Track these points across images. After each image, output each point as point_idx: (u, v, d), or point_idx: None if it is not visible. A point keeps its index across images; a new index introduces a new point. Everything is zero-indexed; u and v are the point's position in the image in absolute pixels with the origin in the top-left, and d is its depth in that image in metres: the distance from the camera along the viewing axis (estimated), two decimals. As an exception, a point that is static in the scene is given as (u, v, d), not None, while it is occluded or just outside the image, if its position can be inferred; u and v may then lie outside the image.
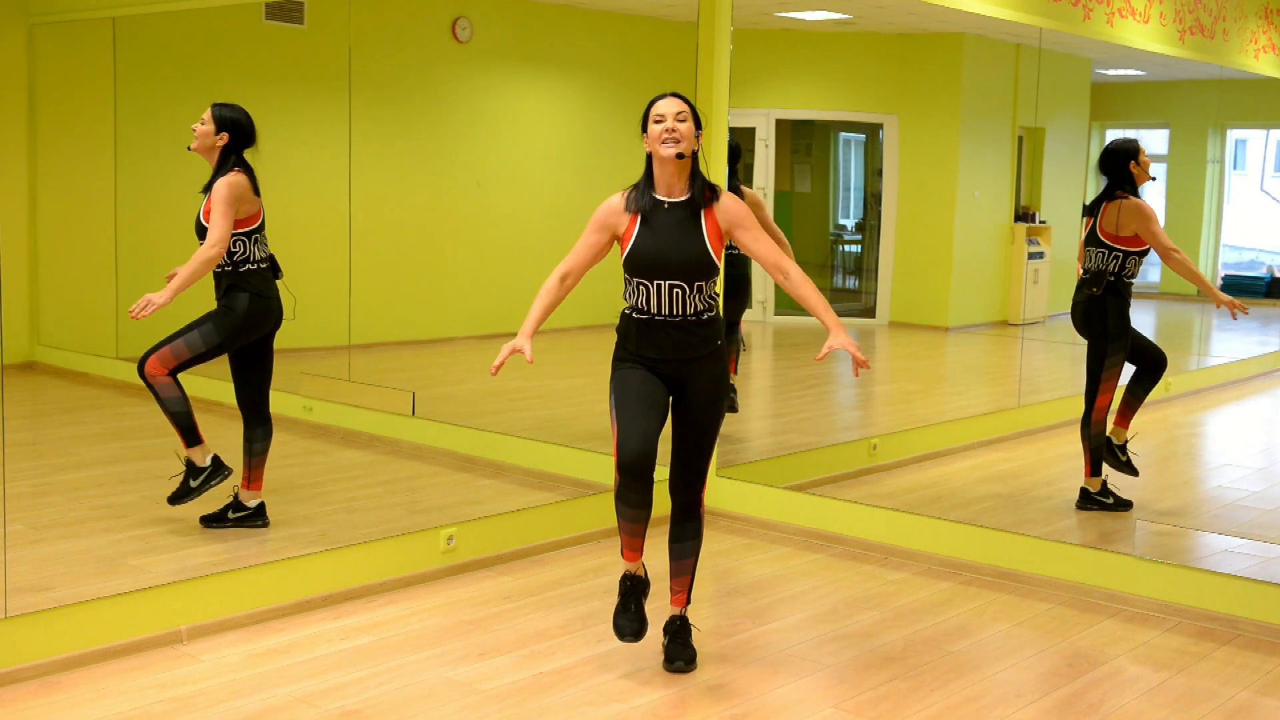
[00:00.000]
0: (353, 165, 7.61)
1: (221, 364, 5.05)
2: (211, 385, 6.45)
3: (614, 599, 4.48)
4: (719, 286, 5.60)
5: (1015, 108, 8.27)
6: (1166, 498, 5.86)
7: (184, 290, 4.69)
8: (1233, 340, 8.84)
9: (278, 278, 4.98)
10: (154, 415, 5.10)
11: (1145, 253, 5.48)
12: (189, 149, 4.90)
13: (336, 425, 6.87)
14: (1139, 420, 5.66)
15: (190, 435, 4.89)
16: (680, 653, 3.88)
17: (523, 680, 3.79)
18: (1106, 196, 5.49)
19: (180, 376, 4.87)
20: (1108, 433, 5.59)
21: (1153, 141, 8.24)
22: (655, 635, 4.07)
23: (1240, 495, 6.08)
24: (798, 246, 9.06)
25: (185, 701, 3.58)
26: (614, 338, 3.88)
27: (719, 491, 5.61)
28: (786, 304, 9.01)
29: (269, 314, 4.92)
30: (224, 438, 5.47)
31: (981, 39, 8.28)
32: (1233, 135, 8.16)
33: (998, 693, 3.79)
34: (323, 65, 8.37)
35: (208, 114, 4.86)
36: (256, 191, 4.87)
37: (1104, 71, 8.42)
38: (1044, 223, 8.35)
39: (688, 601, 3.98)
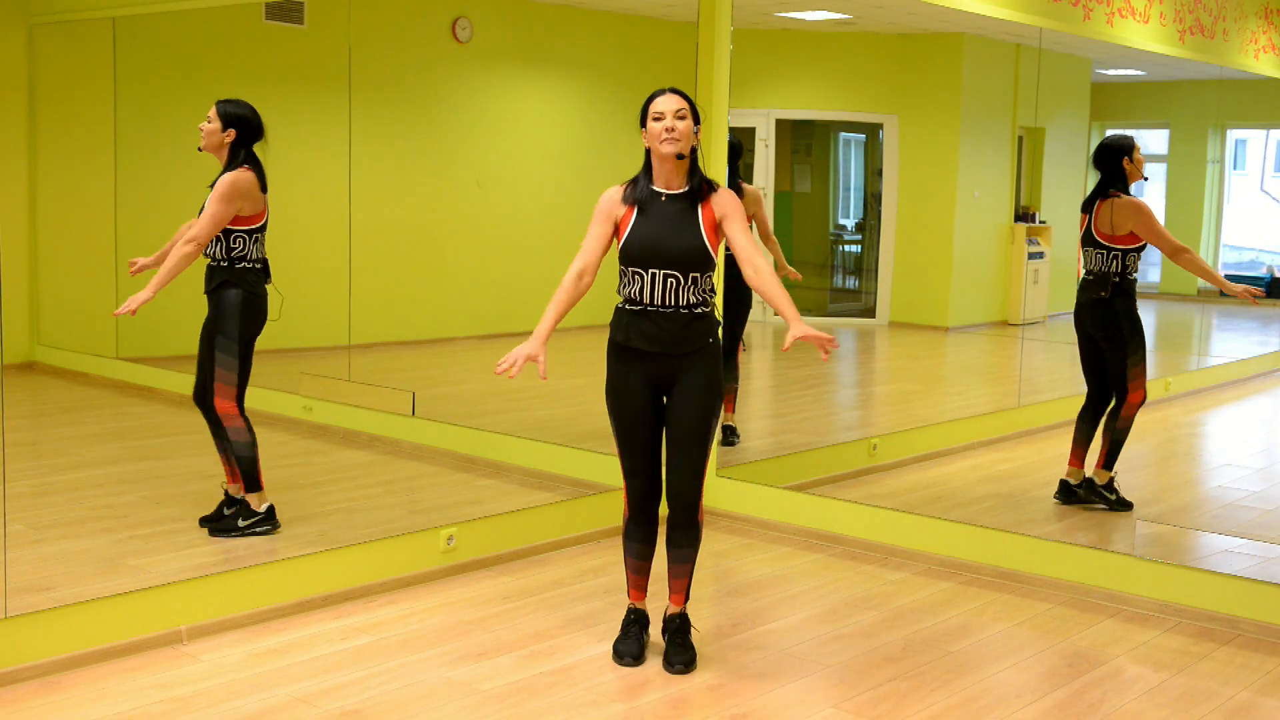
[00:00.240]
0: (353, 165, 7.61)
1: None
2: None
3: (614, 598, 4.49)
4: (719, 298, 5.60)
5: (1015, 108, 8.27)
6: (1166, 498, 5.86)
7: (166, 285, 4.70)
8: (1233, 340, 8.84)
9: (267, 281, 4.97)
10: (154, 415, 5.11)
11: (1143, 249, 5.47)
12: (199, 150, 4.89)
13: (336, 425, 6.87)
14: (1138, 420, 5.64)
15: (252, 481, 4.90)
16: (680, 654, 3.88)
17: (523, 680, 3.79)
18: (1100, 194, 5.47)
19: (184, 374, 4.90)
20: (1090, 474, 5.60)
21: (1153, 141, 8.24)
22: (655, 635, 4.08)
23: (1240, 495, 6.08)
24: (798, 246, 9.07)
25: (185, 701, 3.58)
26: (614, 338, 3.88)
27: (719, 491, 5.61)
28: (786, 304, 8.99)
29: (261, 312, 4.91)
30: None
31: (981, 39, 8.28)
32: (1233, 135, 8.16)
33: (998, 693, 3.79)
34: (323, 65, 8.37)
35: (213, 112, 4.85)
36: (264, 188, 4.86)
37: (1104, 71, 8.42)
38: (1044, 223, 8.35)
39: (686, 599, 3.98)
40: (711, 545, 5.19)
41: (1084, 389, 5.69)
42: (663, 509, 3.95)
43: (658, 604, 4.20)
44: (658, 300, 3.73)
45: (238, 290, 4.82)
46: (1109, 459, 5.52)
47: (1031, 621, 4.42)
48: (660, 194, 3.76)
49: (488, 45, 9.11)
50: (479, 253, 9.15)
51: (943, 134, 8.51)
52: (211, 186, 4.82)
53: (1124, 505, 5.50)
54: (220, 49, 8.32)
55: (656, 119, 3.73)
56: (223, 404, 4.86)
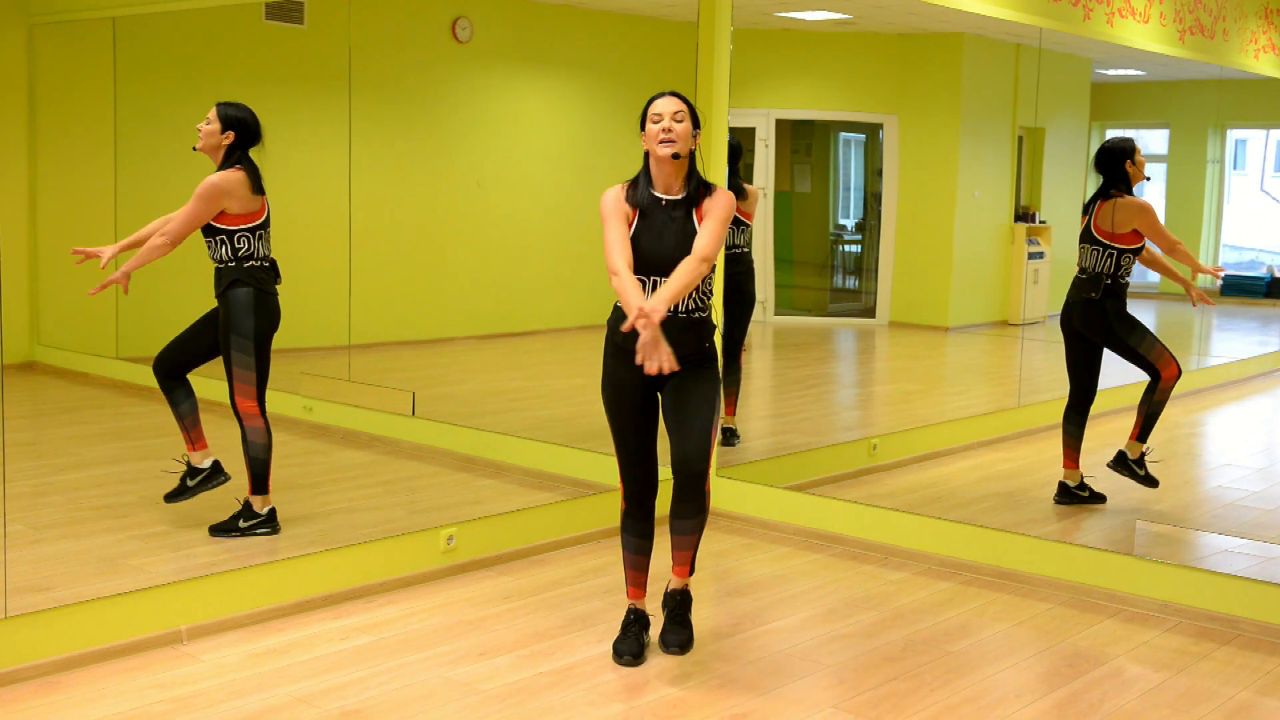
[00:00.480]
0: (353, 165, 7.61)
1: (217, 362, 5.04)
2: (210, 385, 6.44)
3: (614, 598, 4.49)
4: (718, 299, 5.60)
5: (1015, 108, 8.27)
6: (1166, 498, 5.85)
7: (133, 272, 4.82)
8: (1233, 340, 8.84)
9: (276, 282, 4.97)
10: (154, 415, 5.11)
11: (1140, 250, 5.47)
12: (195, 149, 4.91)
13: (336, 425, 6.87)
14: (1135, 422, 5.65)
15: (260, 483, 4.92)
16: (677, 634, 3.89)
17: (523, 680, 3.79)
18: (1102, 195, 5.49)
19: (189, 376, 4.95)
20: (1065, 478, 5.65)
21: (1153, 141, 8.24)
22: (655, 635, 4.08)
23: (1240, 495, 6.08)
24: (798, 246, 9.08)
25: (185, 701, 3.58)
26: (614, 338, 3.88)
27: (719, 491, 5.61)
28: (786, 304, 9.01)
29: (273, 309, 4.91)
30: (223, 437, 5.47)
31: (981, 39, 8.28)
32: (1233, 135, 8.16)
33: (998, 693, 3.79)
34: (323, 65, 8.37)
35: (212, 113, 4.87)
36: (260, 189, 4.87)
37: (1104, 71, 8.42)
38: (1044, 223, 8.35)
39: (691, 571, 3.96)
40: (711, 545, 5.19)
41: (1079, 385, 5.70)
42: (663, 510, 3.95)
43: (658, 604, 4.20)
44: None
45: (248, 289, 4.83)
46: (1144, 432, 5.54)
47: (1031, 621, 4.42)
48: (661, 199, 3.76)
49: (488, 45, 9.12)
50: (479, 253, 9.16)
51: (943, 134, 8.52)
52: None
53: (1151, 482, 5.56)
54: (220, 49, 8.32)
55: (655, 121, 3.73)
56: (244, 403, 4.88)
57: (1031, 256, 8.28)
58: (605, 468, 5.68)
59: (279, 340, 5.08)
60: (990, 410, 7.50)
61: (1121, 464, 5.59)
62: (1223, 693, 3.83)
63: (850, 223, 9.48)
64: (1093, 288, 5.46)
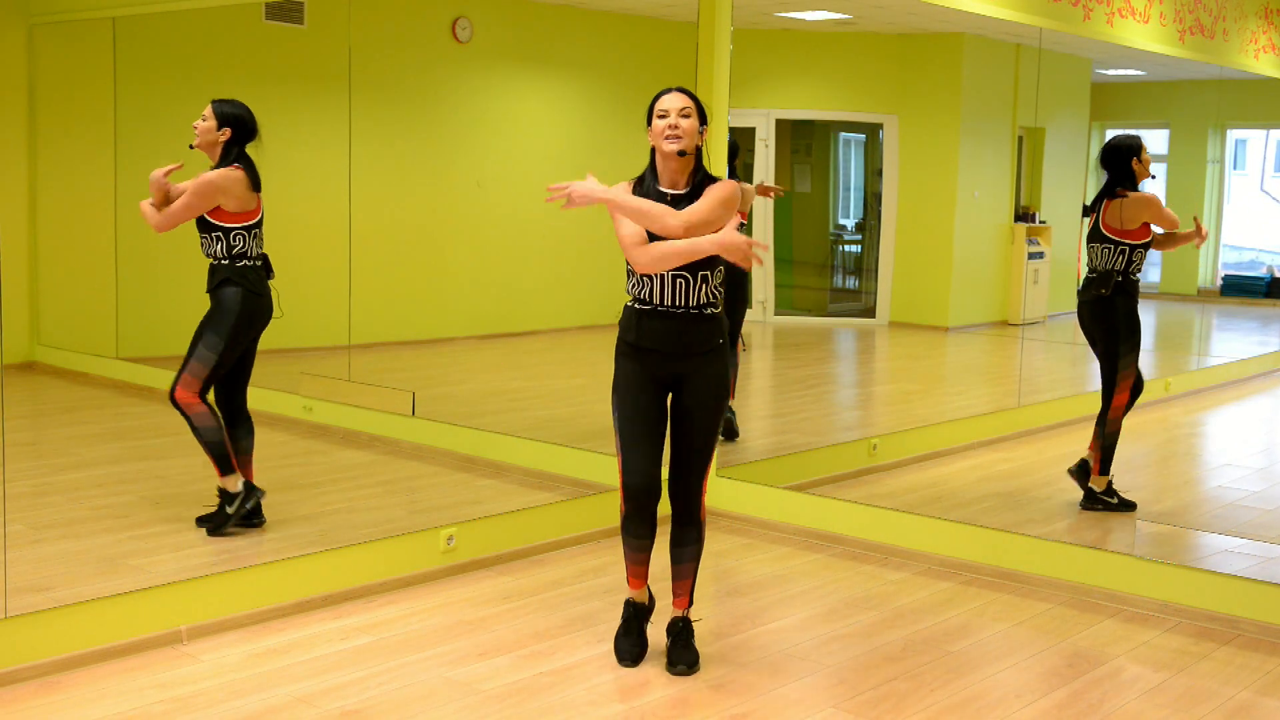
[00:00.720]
0: (353, 165, 7.61)
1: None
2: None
3: (614, 598, 4.49)
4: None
5: (1015, 108, 8.27)
6: (1166, 498, 5.86)
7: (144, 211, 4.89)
8: (1233, 340, 8.84)
9: (269, 278, 4.98)
10: (154, 415, 5.11)
11: (1149, 245, 5.47)
12: (191, 147, 4.92)
13: (336, 425, 6.87)
14: (1138, 420, 5.65)
15: (224, 463, 4.90)
16: (683, 655, 3.88)
17: (523, 680, 3.79)
18: (1108, 194, 5.49)
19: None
20: (1090, 483, 5.59)
21: (1153, 141, 8.23)
22: (657, 635, 4.07)
23: (1240, 495, 6.08)
24: (798, 246, 9.07)
25: (185, 701, 3.58)
26: (615, 338, 3.88)
27: (719, 491, 5.61)
28: (786, 304, 9.01)
29: (262, 311, 4.93)
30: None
31: (981, 39, 8.28)
32: (1233, 135, 8.16)
33: (998, 693, 3.79)
34: (323, 65, 8.37)
35: (208, 110, 4.88)
36: (257, 188, 4.89)
37: (1104, 71, 8.42)
38: (1044, 223, 8.35)
39: (690, 602, 3.98)
40: (711, 545, 5.19)
41: (1085, 388, 5.69)
42: (664, 509, 3.95)
43: (661, 603, 4.20)
44: (668, 300, 3.73)
45: (238, 289, 4.84)
46: (1103, 465, 5.52)
47: (1031, 621, 4.42)
48: (666, 194, 3.76)
49: (488, 45, 9.11)
50: (479, 253, 9.15)
51: (943, 134, 8.51)
52: None
53: (1128, 506, 5.50)
54: (220, 49, 8.32)
55: (661, 116, 3.73)
56: (184, 394, 4.84)
57: (1031, 256, 8.28)
58: (605, 468, 5.68)
59: (279, 340, 5.08)
60: (990, 410, 7.50)
61: (1091, 501, 5.54)
62: (1223, 693, 3.83)
63: (850, 223, 9.48)
64: (1103, 284, 5.45)
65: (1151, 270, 7.02)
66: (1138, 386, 5.58)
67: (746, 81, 6.38)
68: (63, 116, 8.68)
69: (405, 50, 8.82)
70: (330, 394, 7.00)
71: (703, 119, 3.76)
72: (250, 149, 4.92)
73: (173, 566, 4.51)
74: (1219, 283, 8.20)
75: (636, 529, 3.88)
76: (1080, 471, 5.55)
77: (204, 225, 4.84)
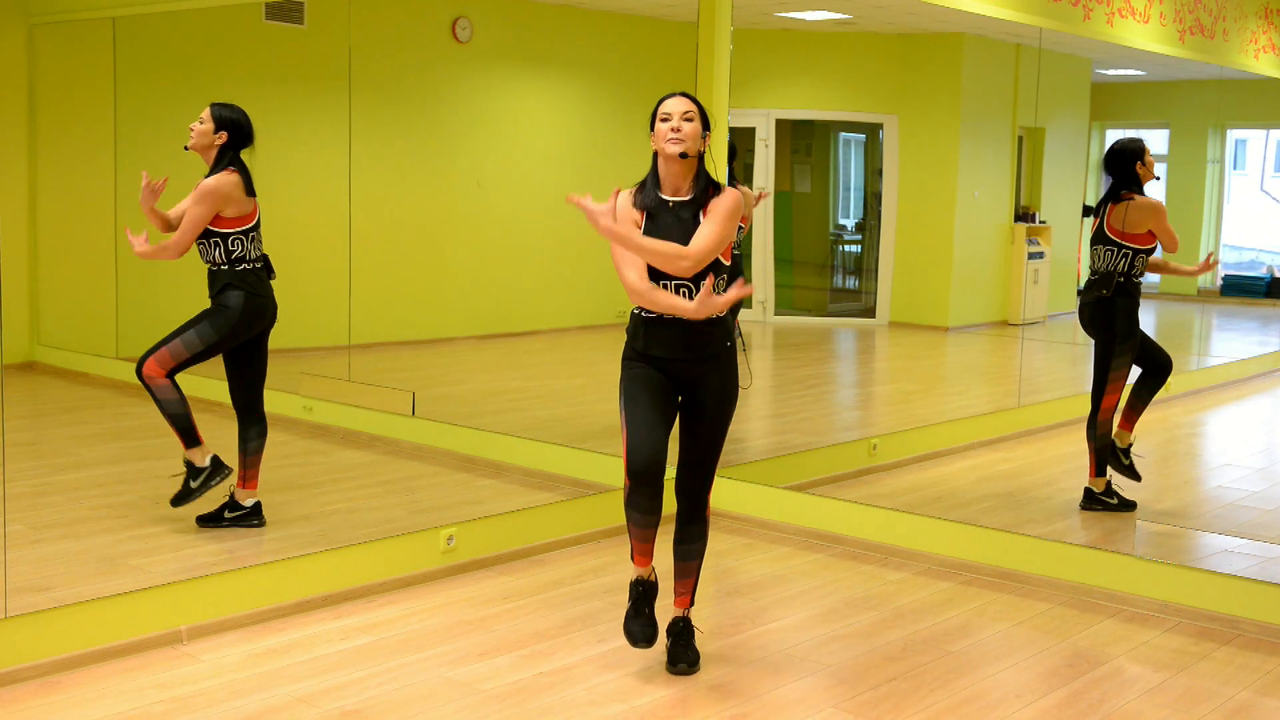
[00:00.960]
0: (353, 165, 7.61)
1: (217, 363, 5.06)
2: (209, 385, 6.44)
3: (614, 598, 4.49)
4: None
5: (1015, 108, 8.27)
6: (1166, 498, 5.86)
7: (146, 254, 4.85)
8: (1233, 340, 8.84)
9: (270, 278, 4.99)
10: (154, 415, 5.11)
11: (1152, 251, 5.48)
12: (186, 148, 4.93)
13: (336, 425, 6.87)
14: (1139, 420, 5.66)
15: (189, 436, 4.91)
16: (683, 655, 3.88)
17: (523, 680, 3.79)
18: (1112, 197, 5.49)
19: (177, 377, 4.91)
20: (1112, 435, 5.58)
21: (1153, 141, 8.23)
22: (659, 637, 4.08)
23: (1240, 495, 6.08)
24: (798, 246, 9.07)
25: (185, 701, 3.58)
26: (615, 337, 3.88)
27: (719, 491, 5.61)
28: (786, 304, 9.01)
29: (263, 313, 4.93)
30: (222, 437, 5.47)
31: (981, 39, 8.28)
32: (1233, 135, 8.17)
33: (998, 693, 3.79)
34: (323, 65, 8.37)
35: (206, 113, 4.89)
36: (251, 191, 4.89)
37: (1104, 71, 8.42)
38: (1044, 223, 8.35)
39: (691, 603, 3.97)
40: (712, 545, 5.18)
41: (1085, 388, 5.69)
42: (668, 509, 3.95)
43: (664, 601, 4.20)
44: None
45: (240, 293, 4.85)
46: (1099, 467, 5.52)
47: (1031, 621, 4.42)
48: (668, 201, 3.75)
49: (488, 45, 9.11)
50: (479, 253, 9.15)
51: (943, 134, 8.51)
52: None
53: (1128, 506, 5.50)
54: (220, 49, 8.32)
55: (664, 120, 3.73)
56: (152, 368, 4.84)
57: (1031, 256, 8.28)
58: (605, 468, 5.68)
59: (279, 340, 5.09)
60: (990, 410, 7.51)
61: (1092, 500, 5.53)
62: (1223, 693, 3.83)
63: (850, 223, 9.47)
64: (1105, 285, 5.45)
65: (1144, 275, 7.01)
66: (1166, 365, 5.58)
67: (746, 81, 6.38)
68: (63, 116, 8.68)
69: (405, 50, 8.82)
70: (330, 394, 7.00)
71: (706, 124, 3.76)
72: (245, 154, 4.92)
73: (173, 566, 4.51)
74: (1219, 283, 8.20)
75: (640, 503, 3.77)
76: (1113, 452, 5.55)
77: (201, 232, 4.84)
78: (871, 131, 8.92)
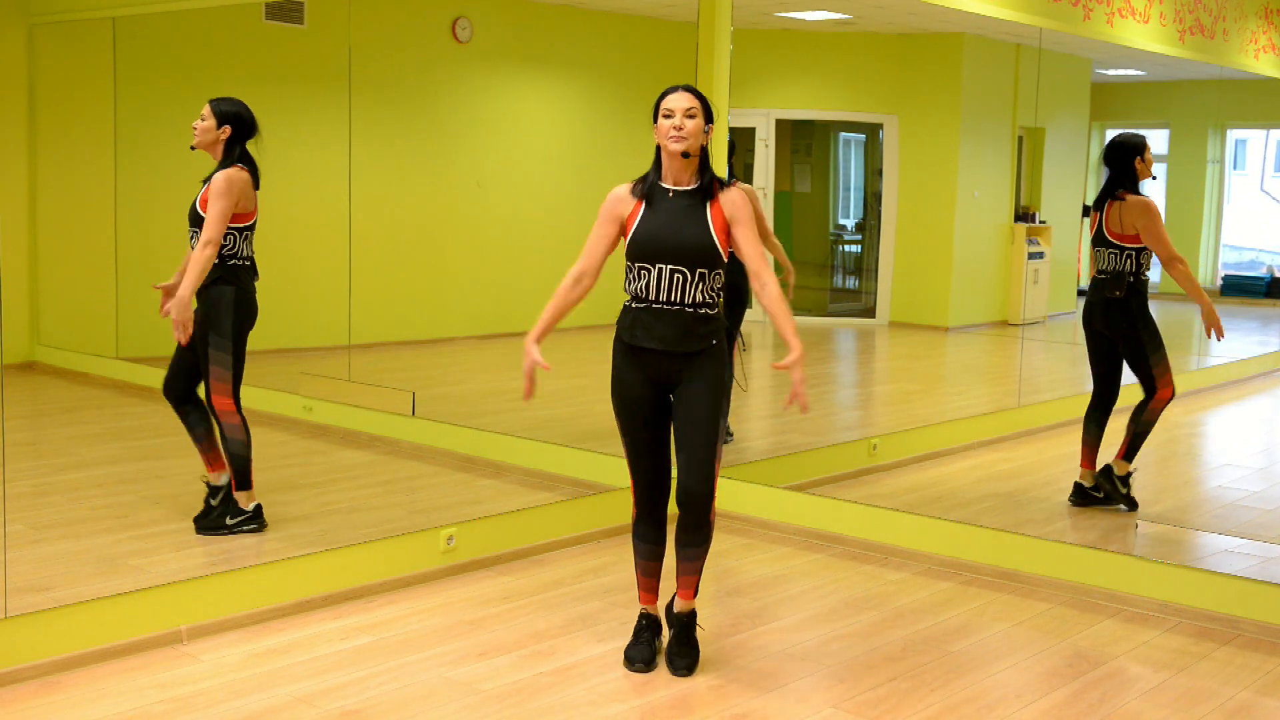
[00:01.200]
0: (353, 165, 7.62)
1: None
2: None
3: (614, 598, 4.49)
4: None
5: (1015, 108, 8.27)
6: (1166, 498, 5.86)
7: (197, 286, 4.73)
8: (1233, 340, 8.83)
9: (255, 278, 4.97)
10: (154, 415, 5.11)
11: None
12: (192, 148, 4.91)
13: (336, 425, 6.87)
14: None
15: (243, 479, 4.91)
16: (684, 655, 3.88)
17: (523, 680, 3.79)
18: (1109, 195, 5.48)
19: (170, 374, 4.94)
20: (1080, 478, 5.59)
21: (1153, 142, 8.23)
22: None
23: (1240, 495, 6.08)
24: (798, 246, 9.08)
25: (185, 701, 3.58)
26: (614, 338, 3.87)
27: (719, 491, 5.60)
28: (786, 304, 8.99)
29: (252, 308, 4.92)
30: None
31: (981, 39, 8.28)
32: (1233, 135, 8.17)
33: (998, 693, 3.79)
34: (323, 65, 8.38)
35: (206, 110, 4.87)
36: (256, 186, 4.88)
37: (1104, 71, 8.42)
38: (1044, 223, 8.36)
39: (695, 594, 3.96)
40: (712, 545, 5.18)
41: (1085, 388, 5.68)
42: (672, 508, 3.95)
43: (666, 596, 4.20)
44: (664, 297, 3.72)
45: (231, 287, 4.84)
46: (1130, 451, 5.50)
47: (1031, 621, 4.42)
48: (669, 189, 3.76)
49: (488, 45, 9.11)
50: (479, 253, 9.15)
51: (943, 134, 8.52)
52: (205, 182, 4.83)
53: (1131, 503, 5.50)
54: (220, 49, 8.32)
55: (666, 116, 3.72)
56: (220, 400, 4.86)
57: (1031, 256, 8.28)
58: (605, 468, 5.68)
59: (279, 340, 5.09)
60: (990, 410, 7.51)
61: (1106, 478, 5.55)
62: (1223, 693, 3.83)
63: (850, 223, 9.48)
64: (1116, 286, 5.44)
65: (1152, 270, 7.02)
66: (1114, 397, 5.61)
67: (746, 81, 6.38)
68: (63, 116, 8.68)
69: (405, 50, 8.82)
70: (330, 394, 7.00)
71: (709, 117, 3.76)
72: (250, 146, 4.91)
73: (173, 566, 4.51)
74: (1219, 283, 8.21)
75: (646, 533, 3.91)
76: (1104, 475, 5.54)
77: (197, 221, 4.82)
78: (871, 131, 8.93)
